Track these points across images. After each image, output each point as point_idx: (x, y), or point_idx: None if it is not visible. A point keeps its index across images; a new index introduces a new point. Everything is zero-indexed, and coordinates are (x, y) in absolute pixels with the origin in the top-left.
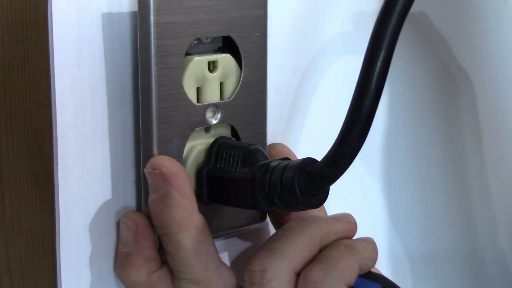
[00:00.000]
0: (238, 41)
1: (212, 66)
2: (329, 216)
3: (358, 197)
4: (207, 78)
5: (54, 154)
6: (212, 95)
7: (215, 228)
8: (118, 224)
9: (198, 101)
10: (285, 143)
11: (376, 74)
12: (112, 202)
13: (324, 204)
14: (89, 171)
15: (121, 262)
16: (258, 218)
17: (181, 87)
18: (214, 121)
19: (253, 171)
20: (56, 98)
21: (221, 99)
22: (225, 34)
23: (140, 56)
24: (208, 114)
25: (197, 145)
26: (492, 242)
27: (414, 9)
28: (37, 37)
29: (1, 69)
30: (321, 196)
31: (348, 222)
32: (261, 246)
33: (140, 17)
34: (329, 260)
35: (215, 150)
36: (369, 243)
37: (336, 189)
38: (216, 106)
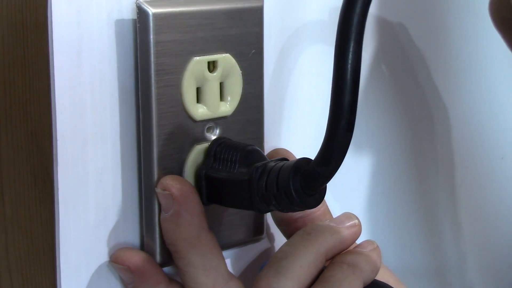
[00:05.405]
0: (236, 59)
1: (212, 66)
2: (333, 221)
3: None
4: (207, 78)
5: (54, 154)
6: (212, 96)
7: None
8: (118, 225)
9: (198, 101)
10: (281, 143)
11: (349, 66)
12: (112, 202)
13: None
14: (89, 171)
15: None
16: (255, 232)
17: (181, 104)
18: (213, 137)
19: (250, 172)
20: (56, 98)
21: (221, 99)
22: (223, 52)
23: (140, 74)
24: (207, 131)
25: (196, 145)
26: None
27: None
28: (37, 37)
29: (1, 69)
30: (318, 195)
31: (352, 226)
32: (267, 264)
33: (140, 36)
34: (331, 282)
35: (214, 150)
36: (372, 251)
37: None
38: (215, 123)
